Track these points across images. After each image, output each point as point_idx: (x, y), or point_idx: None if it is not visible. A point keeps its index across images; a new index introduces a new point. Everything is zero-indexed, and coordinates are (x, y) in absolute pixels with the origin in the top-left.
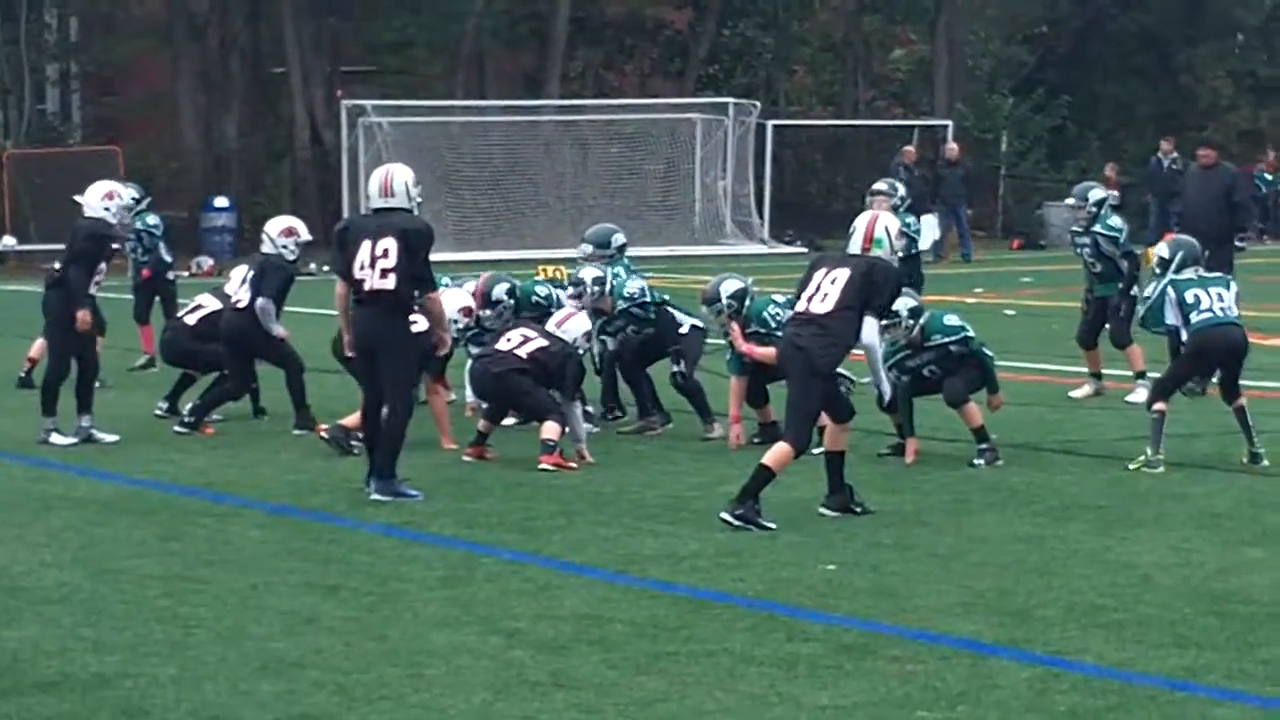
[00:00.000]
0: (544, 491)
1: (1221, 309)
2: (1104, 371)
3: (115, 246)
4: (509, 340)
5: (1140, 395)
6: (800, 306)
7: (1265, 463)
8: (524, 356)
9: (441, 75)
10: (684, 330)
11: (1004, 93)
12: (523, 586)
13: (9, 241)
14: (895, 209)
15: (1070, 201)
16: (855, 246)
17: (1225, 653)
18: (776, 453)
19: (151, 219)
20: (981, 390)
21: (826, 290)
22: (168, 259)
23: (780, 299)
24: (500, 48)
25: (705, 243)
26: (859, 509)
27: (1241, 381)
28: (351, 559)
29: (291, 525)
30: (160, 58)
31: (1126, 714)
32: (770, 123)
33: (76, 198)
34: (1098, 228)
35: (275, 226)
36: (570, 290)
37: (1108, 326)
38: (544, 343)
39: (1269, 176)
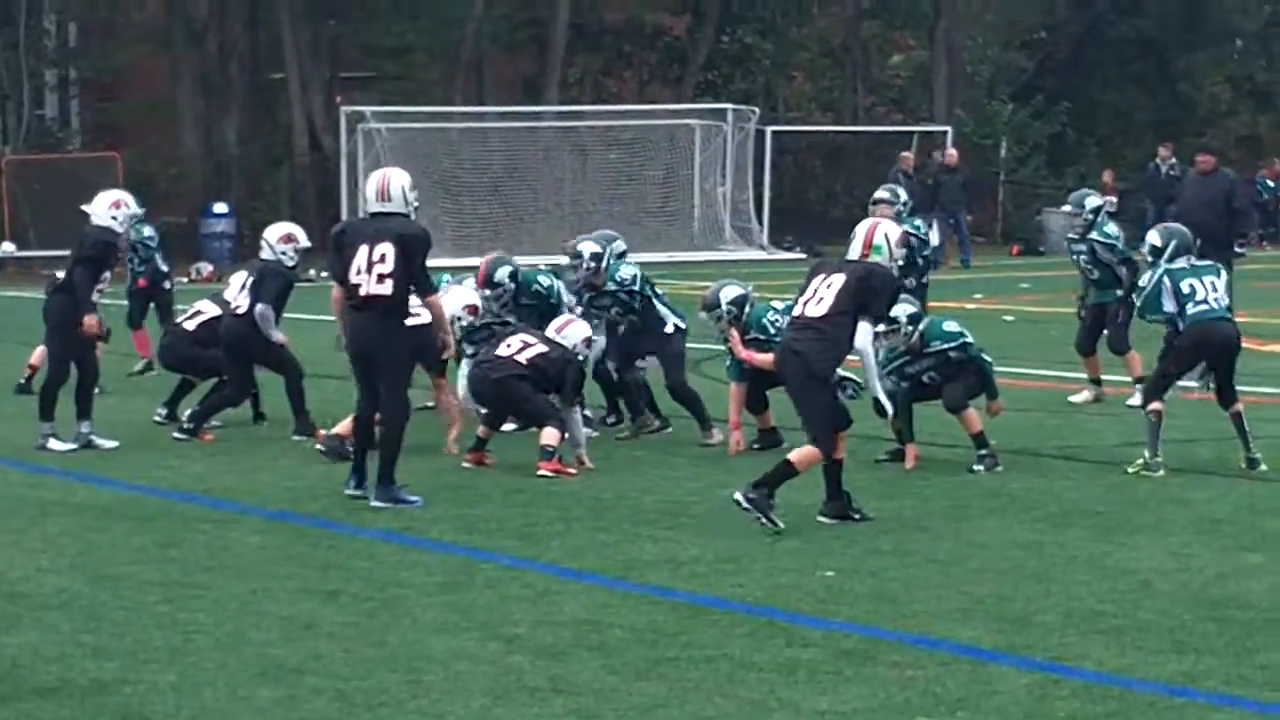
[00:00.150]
0: (543, 497)
1: (1215, 300)
2: (1103, 377)
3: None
4: (509, 346)
5: (1136, 399)
6: (796, 311)
7: (1263, 467)
8: (524, 362)
9: (440, 81)
10: (668, 330)
11: (1003, 99)
12: (522, 592)
13: (8, 248)
14: (899, 215)
15: (1067, 209)
16: (854, 253)
17: (1224, 658)
18: (804, 453)
19: (147, 230)
20: (981, 396)
21: (823, 295)
22: (164, 268)
23: (779, 305)
24: (499, 54)
25: (704, 249)
26: (857, 515)
27: (1239, 387)
28: (350, 565)
29: (290, 531)
30: (159, 63)
31: None
32: (769, 129)
33: (84, 207)
34: (1094, 235)
35: (274, 233)
36: (567, 262)
37: (1105, 333)
38: (544, 349)
39: (1270, 183)
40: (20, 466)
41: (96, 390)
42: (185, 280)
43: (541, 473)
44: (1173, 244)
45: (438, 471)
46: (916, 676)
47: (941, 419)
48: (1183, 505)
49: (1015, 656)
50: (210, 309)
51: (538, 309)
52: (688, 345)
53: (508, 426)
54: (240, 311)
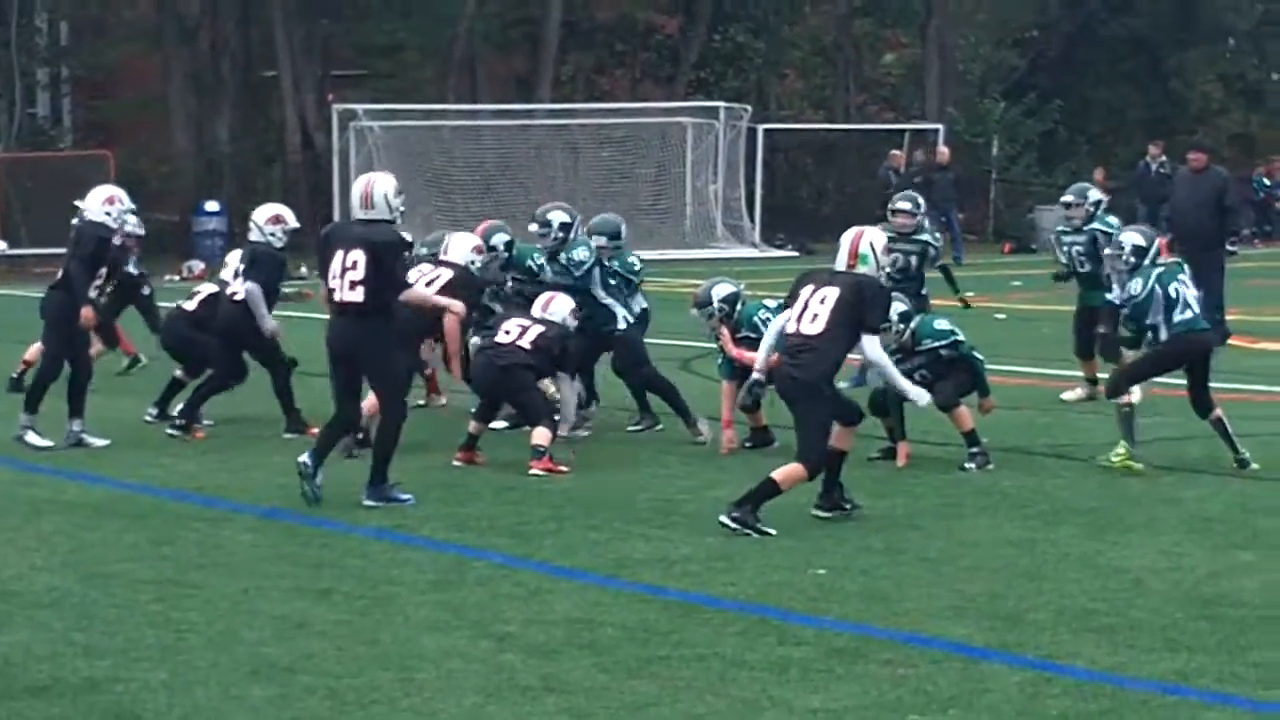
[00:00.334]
0: (535, 495)
1: (1197, 304)
2: (1099, 376)
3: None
4: (508, 333)
5: (1135, 397)
6: (791, 328)
7: (1254, 466)
8: (528, 347)
9: (433, 79)
10: (619, 325)
11: (995, 97)
12: (514, 591)
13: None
14: (920, 226)
15: (1068, 199)
16: (841, 263)
17: (1217, 656)
18: (788, 471)
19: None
20: (972, 394)
21: (816, 310)
22: (133, 271)
23: (771, 304)
24: (491, 52)
25: (696, 246)
26: (848, 505)
27: (1229, 385)
28: (343, 563)
29: (283, 529)
30: (151, 61)
31: (1118, 718)
32: (761, 127)
33: (77, 202)
34: (1096, 225)
35: (262, 215)
36: (534, 227)
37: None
38: (541, 328)
39: (1266, 181)
40: (12, 465)
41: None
42: (176, 278)
43: (533, 472)
44: (1155, 244)
45: (429, 470)
46: (908, 674)
47: (933, 417)
48: (1174, 504)
49: (1007, 654)
50: (209, 288)
51: (525, 285)
52: (684, 344)
53: (498, 424)
54: (238, 297)
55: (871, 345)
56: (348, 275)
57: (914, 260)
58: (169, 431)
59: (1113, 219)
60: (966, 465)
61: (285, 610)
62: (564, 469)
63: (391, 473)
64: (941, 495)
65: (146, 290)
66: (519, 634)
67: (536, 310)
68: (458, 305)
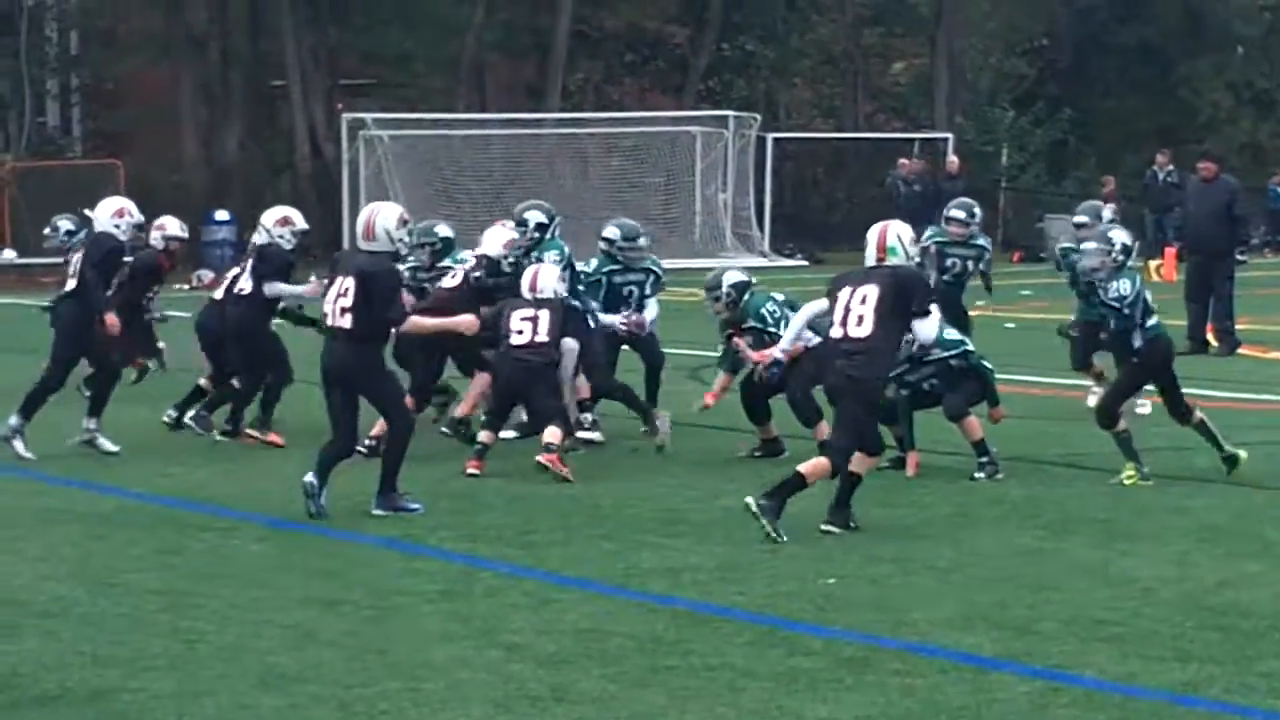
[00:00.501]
0: (543, 505)
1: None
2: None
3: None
4: (520, 332)
5: (1147, 408)
6: (837, 332)
7: (1243, 454)
8: (547, 341)
9: (442, 88)
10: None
11: (1004, 106)
12: (522, 600)
13: (9, 255)
14: (971, 235)
15: (1081, 219)
16: (870, 259)
17: (1226, 666)
18: (815, 464)
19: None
20: (982, 403)
21: (859, 311)
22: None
23: (780, 297)
24: (501, 61)
25: (705, 255)
26: (853, 526)
27: (1242, 395)
28: (352, 573)
29: (292, 539)
30: (160, 71)
31: None
32: (770, 136)
33: (87, 211)
34: None
35: (270, 217)
36: (511, 224)
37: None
38: (546, 313)
39: None
40: (21, 475)
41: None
42: (186, 288)
43: (539, 460)
44: (1137, 245)
45: (438, 479)
46: (917, 685)
47: (942, 426)
48: (1183, 513)
49: (1016, 664)
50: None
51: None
52: (692, 352)
53: (507, 434)
54: (244, 292)
55: (929, 326)
56: (339, 301)
57: (970, 264)
58: (219, 437)
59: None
60: (976, 475)
61: (294, 620)
62: (567, 473)
63: (401, 482)
64: (950, 505)
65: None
66: (528, 644)
67: (525, 290)
68: (466, 320)
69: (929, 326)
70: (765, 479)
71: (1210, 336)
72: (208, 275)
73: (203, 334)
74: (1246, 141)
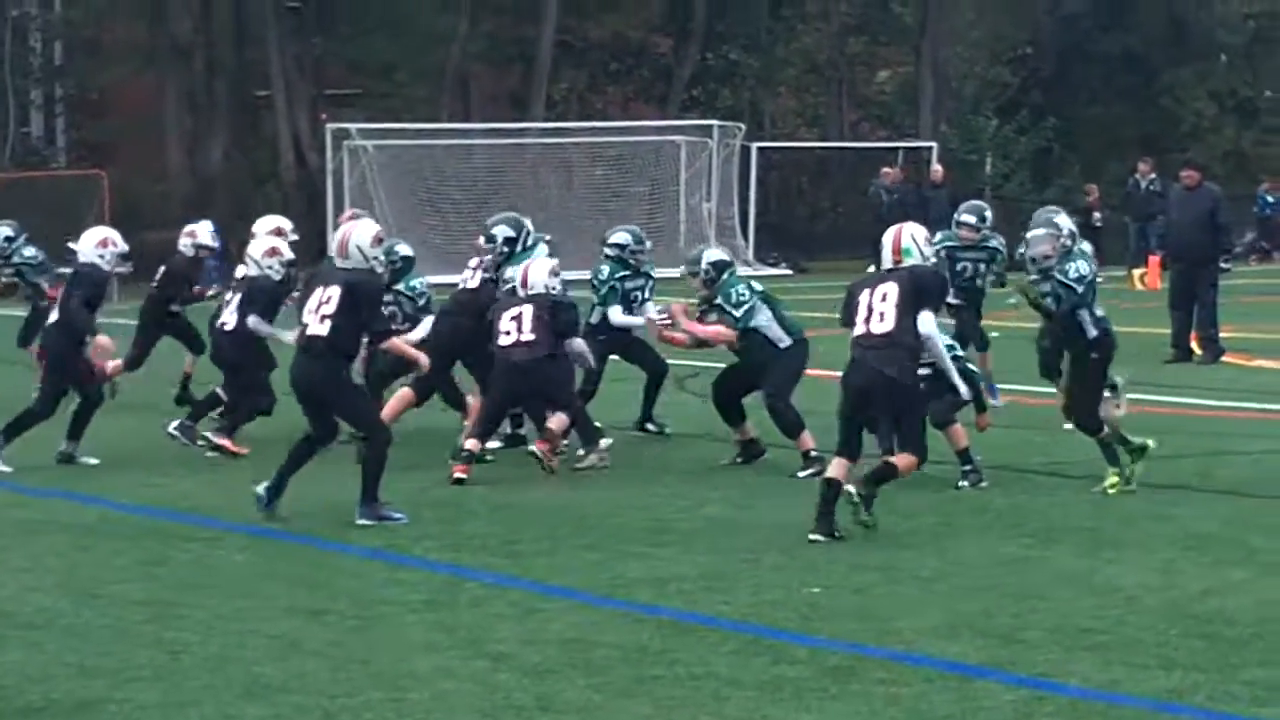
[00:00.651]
0: (528, 515)
1: None
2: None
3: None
4: (508, 333)
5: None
6: (859, 330)
7: (1153, 444)
8: (533, 339)
9: (426, 98)
10: None
11: (988, 114)
12: (507, 610)
13: None
14: (984, 239)
15: (969, 219)
16: (887, 261)
17: (1210, 674)
18: (905, 461)
19: (29, 251)
20: (966, 410)
21: (880, 309)
22: (46, 287)
23: (758, 286)
24: (485, 70)
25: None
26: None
27: (1226, 403)
28: (336, 583)
29: (276, 549)
30: (145, 81)
31: None
32: (755, 145)
33: (71, 244)
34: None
35: (258, 249)
36: (481, 240)
37: None
38: (529, 308)
39: (1270, 199)
40: (4, 486)
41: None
42: None
43: (533, 450)
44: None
45: (423, 489)
46: (902, 694)
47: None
48: (1168, 521)
49: (1001, 673)
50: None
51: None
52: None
53: (492, 444)
54: (228, 328)
55: (928, 321)
56: (321, 309)
57: (982, 267)
58: (208, 454)
59: (1086, 246)
60: (960, 484)
61: (279, 630)
62: (554, 465)
63: (386, 492)
64: (935, 513)
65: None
66: (513, 654)
67: (518, 286)
68: (423, 360)
69: (927, 321)
70: (750, 487)
71: (1194, 345)
72: None
73: (215, 359)
74: (1230, 150)
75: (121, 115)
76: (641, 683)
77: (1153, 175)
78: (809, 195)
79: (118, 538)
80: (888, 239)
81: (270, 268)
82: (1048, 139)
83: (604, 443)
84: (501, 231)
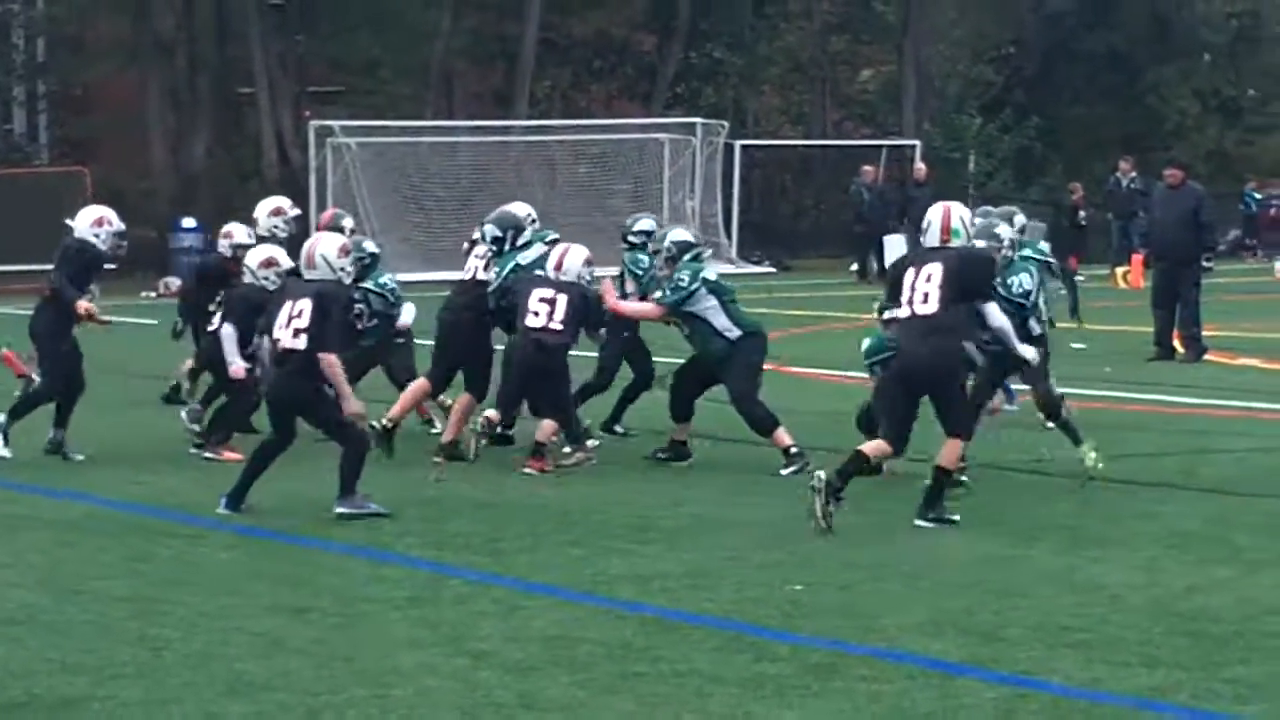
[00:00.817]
0: (511, 512)
1: None
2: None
3: (110, 266)
4: (536, 314)
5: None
6: (904, 311)
7: (1093, 457)
8: (562, 328)
9: (410, 95)
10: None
11: (971, 113)
12: (490, 607)
13: None
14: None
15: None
16: (934, 239)
17: (1193, 672)
18: (948, 450)
19: None
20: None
21: (924, 290)
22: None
23: (710, 276)
24: (469, 68)
25: None
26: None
27: (1209, 401)
28: (320, 580)
29: (260, 546)
30: (128, 78)
31: None
32: (738, 143)
33: (68, 220)
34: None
35: (254, 258)
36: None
37: None
38: (564, 298)
39: (1258, 196)
40: None
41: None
42: (154, 294)
43: (526, 470)
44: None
45: (407, 486)
46: (884, 691)
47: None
48: (1151, 519)
49: (983, 670)
50: None
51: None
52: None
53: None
54: (211, 329)
55: (994, 313)
56: (293, 323)
57: None
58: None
59: (1044, 246)
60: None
61: (262, 627)
62: (549, 467)
63: (370, 489)
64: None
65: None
66: (495, 651)
67: (551, 270)
68: (351, 404)
69: (994, 313)
70: (734, 485)
71: (1177, 343)
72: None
73: (208, 365)
74: (1213, 149)
75: (104, 112)
76: (624, 680)
77: (1134, 174)
78: (792, 193)
79: (102, 534)
80: (936, 217)
81: (266, 278)
82: (1030, 137)
83: (590, 443)
84: (490, 230)
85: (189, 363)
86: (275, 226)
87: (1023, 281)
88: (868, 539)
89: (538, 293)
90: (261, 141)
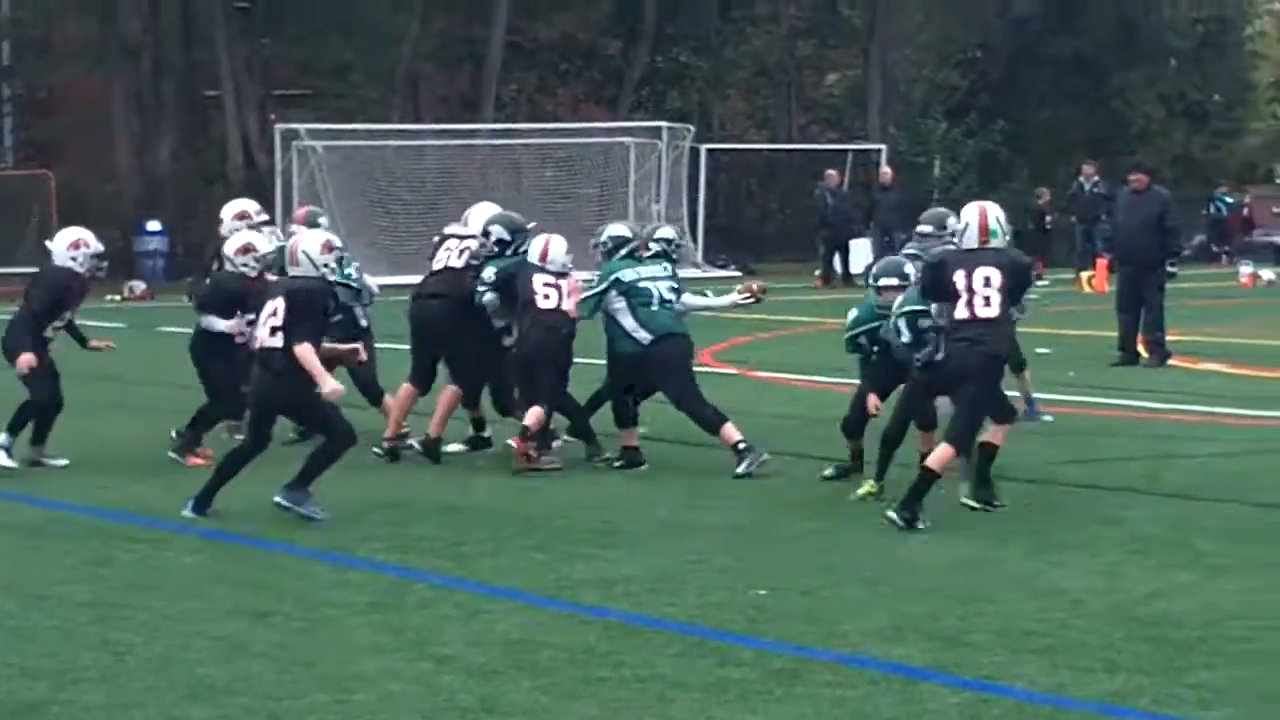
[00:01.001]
0: (475, 516)
1: None
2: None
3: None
4: (547, 297)
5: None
6: (963, 314)
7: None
8: (569, 313)
9: (376, 99)
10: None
11: (937, 117)
12: (453, 612)
13: None
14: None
15: (925, 229)
16: (972, 240)
17: (1155, 677)
18: (939, 454)
19: None
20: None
21: (985, 293)
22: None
23: (630, 276)
24: (435, 71)
25: None
26: (997, 504)
27: (1173, 406)
28: (282, 584)
29: (223, 550)
30: (93, 81)
31: None
32: (704, 147)
33: (47, 243)
34: None
35: (232, 246)
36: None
37: None
38: (565, 283)
39: (1229, 199)
40: None
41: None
42: (118, 299)
43: (510, 441)
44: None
45: (370, 490)
46: (848, 696)
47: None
48: (1114, 524)
49: (947, 675)
50: None
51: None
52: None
53: (454, 447)
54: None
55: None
56: (269, 322)
57: None
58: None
59: None
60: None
61: (224, 631)
62: (531, 457)
63: (333, 492)
64: (881, 516)
65: None
66: (458, 655)
67: (536, 259)
68: (329, 384)
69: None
70: (698, 489)
71: (1141, 348)
72: (140, 286)
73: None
74: (1179, 153)
75: (70, 115)
76: (587, 684)
77: (1096, 178)
78: (758, 197)
79: (66, 538)
80: (973, 217)
81: (245, 265)
82: (996, 142)
83: (555, 444)
84: (497, 231)
85: None
86: (245, 265)
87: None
88: (831, 544)
89: (540, 278)
90: (227, 145)
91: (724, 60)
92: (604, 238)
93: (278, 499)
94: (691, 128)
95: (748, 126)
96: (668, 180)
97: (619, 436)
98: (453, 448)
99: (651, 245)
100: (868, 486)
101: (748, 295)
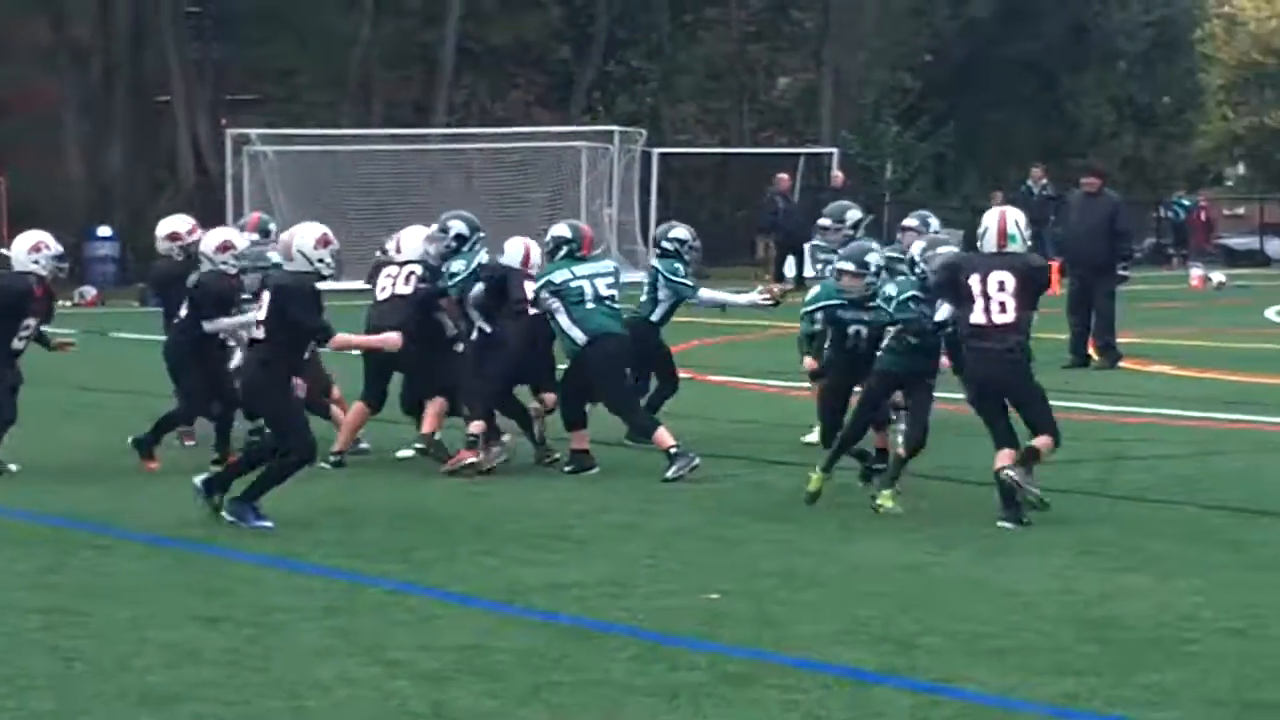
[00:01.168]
0: (426, 521)
1: None
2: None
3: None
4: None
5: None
6: (979, 319)
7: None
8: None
9: (327, 103)
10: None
11: (888, 120)
12: (405, 617)
13: None
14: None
15: (825, 222)
16: (990, 245)
17: (1106, 678)
18: (1042, 443)
19: None
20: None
21: (1000, 299)
22: None
23: (562, 277)
24: (387, 76)
25: None
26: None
27: (1124, 409)
28: (233, 590)
29: (173, 556)
30: (43, 85)
31: None
32: (655, 151)
33: (3, 250)
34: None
35: (210, 243)
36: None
37: None
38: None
39: (1186, 202)
40: None
41: None
42: (68, 304)
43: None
44: None
45: (321, 495)
46: (800, 700)
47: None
48: (1065, 527)
49: (898, 678)
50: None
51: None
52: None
53: (405, 452)
54: (176, 321)
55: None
56: (257, 315)
57: None
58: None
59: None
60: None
61: (175, 638)
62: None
63: (285, 496)
64: (834, 519)
65: None
66: (410, 660)
67: (519, 264)
68: (392, 338)
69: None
70: (650, 493)
71: (1092, 351)
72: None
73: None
74: (1130, 156)
75: (19, 119)
76: (538, 689)
77: (1044, 181)
78: (710, 201)
79: (14, 545)
80: (992, 222)
81: (225, 262)
82: (947, 145)
83: (505, 438)
84: (456, 226)
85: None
86: (224, 263)
87: (887, 289)
88: (784, 548)
89: (527, 283)
90: (178, 150)
91: (675, 64)
92: (550, 238)
93: (224, 513)
94: (643, 131)
95: (699, 131)
96: (619, 184)
97: (569, 439)
98: (405, 453)
99: (664, 245)
100: (815, 479)
101: (768, 297)
